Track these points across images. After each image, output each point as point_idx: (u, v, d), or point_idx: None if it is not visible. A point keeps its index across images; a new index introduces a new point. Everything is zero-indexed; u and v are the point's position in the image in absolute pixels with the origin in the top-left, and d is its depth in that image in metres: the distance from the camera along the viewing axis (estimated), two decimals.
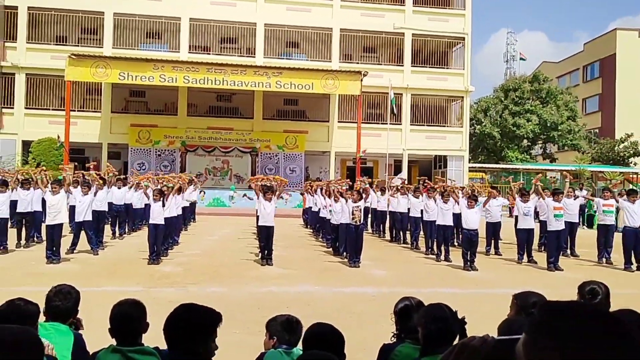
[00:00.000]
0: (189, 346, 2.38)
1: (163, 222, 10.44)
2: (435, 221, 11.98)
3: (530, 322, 0.89)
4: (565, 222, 11.29)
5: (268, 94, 27.13)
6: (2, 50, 26.21)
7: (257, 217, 13.13)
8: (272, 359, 3.00)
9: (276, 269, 9.93)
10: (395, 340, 3.19)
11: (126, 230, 14.67)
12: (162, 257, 10.43)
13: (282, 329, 3.16)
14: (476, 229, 10.61)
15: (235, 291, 7.84)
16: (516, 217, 12.27)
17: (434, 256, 11.89)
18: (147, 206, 15.67)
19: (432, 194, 12.59)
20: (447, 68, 30.04)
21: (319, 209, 14.98)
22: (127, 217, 14.74)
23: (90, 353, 2.93)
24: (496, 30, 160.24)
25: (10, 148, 25.88)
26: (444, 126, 29.88)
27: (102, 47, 26.42)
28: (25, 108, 26.37)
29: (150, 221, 10.39)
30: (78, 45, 26.77)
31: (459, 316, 2.68)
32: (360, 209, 10.67)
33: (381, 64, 29.57)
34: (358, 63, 28.67)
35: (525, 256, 11.52)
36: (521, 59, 49.51)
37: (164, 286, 8.01)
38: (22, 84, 26.30)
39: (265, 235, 10.43)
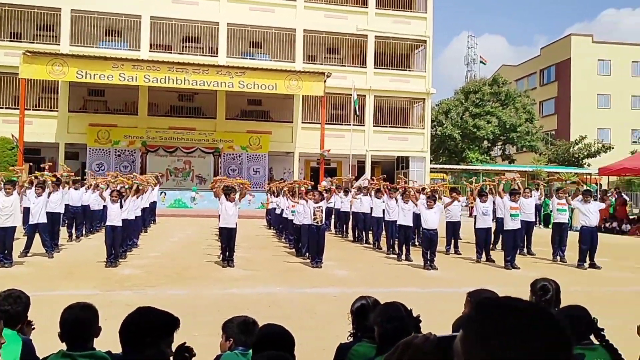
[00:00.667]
0: (142, 350, 2.34)
1: (121, 224, 10.22)
2: (396, 221, 12.12)
3: (465, 319, 0.91)
4: (521, 221, 11.59)
5: (231, 94, 26.93)
6: None
7: (219, 217, 13.08)
8: None
9: (238, 270, 9.86)
10: (352, 339, 3.22)
11: (83, 232, 14.30)
12: (120, 260, 10.21)
13: (239, 330, 3.14)
14: (435, 229, 10.81)
15: (196, 293, 7.74)
16: (475, 216, 12.53)
17: (395, 256, 12.02)
18: (105, 208, 15.41)
19: (393, 194, 12.73)
20: (409, 70, 30.44)
21: (282, 210, 14.95)
22: (84, 219, 14.37)
23: (40, 358, 2.86)
24: (457, 34, 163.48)
25: None
26: (406, 127, 30.28)
27: (59, 44, 25.69)
28: None
29: (108, 223, 10.17)
30: (33, 42, 25.92)
31: (414, 314, 2.73)
32: (322, 210, 10.70)
33: (344, 66, 29.76)
34: (322, 64, 28.76)
35: (483, 255, 11.77)
36: (481, 62, 50.60)
37: (121, 289, 7.84)
38: None
39: (226, 236, 10.34)
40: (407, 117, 30.63)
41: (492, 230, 12.45)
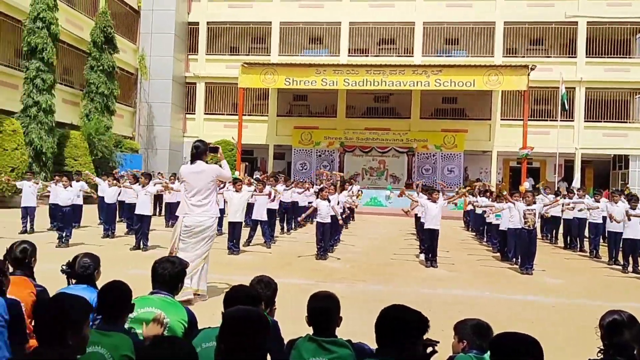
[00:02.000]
0: (399, 347, 2.39)
1: (329, 220, 10.86)
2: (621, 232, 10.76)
3: None
4: None
5: (425, 93, 26.78)
6: (186, 63, 29.41)
7: (416, 217, 13.09)
8: None
9: (441, 270, 9.76)
10: (602, 356, 2.94)
11: (293, 226, 15.54)
12: (328, 254, 10.86)
13: (472, 332, 3.07)
14: None
15: (403, 290, 7.85)
16: None
17: (620, 267, 10.73)
18: (309, 204, 16.58)
19: (618, 198, 11.35)
20: (629, 57, 26.87)
21: (483, 211, 14.39)
22: (293, 214, 15.62)
23: (288, 340, 3.13)
24: None
25: None
26: (625, 122, 26.79)
27: (269, 55, 28.33)
28: (204, 114, 29.32)
29: (318, 219, 10.88)
30: (249, 55, 29.03)
31: None
32: (534, 213, 10.01)
33: (550, 57, 27.49)
34: (524, 57, 26.99)
35: None
36: None
37: (332, 282, 8.30)
38: (202, 92, 29.29)
39: (429, 237, 10.31)
40: (626, 111, 27.07)
41: None
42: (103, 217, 13.44)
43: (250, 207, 12.25)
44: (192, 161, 6.60)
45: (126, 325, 3.01)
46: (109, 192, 12.85)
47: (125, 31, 27.27)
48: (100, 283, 3.58)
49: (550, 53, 28.05)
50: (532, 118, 25.61)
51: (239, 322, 2.16)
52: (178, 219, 6.71)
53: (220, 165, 6.69)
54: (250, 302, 2.81)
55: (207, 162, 6.66)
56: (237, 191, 11.20)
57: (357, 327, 5.55)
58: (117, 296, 2.92)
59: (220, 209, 13.15)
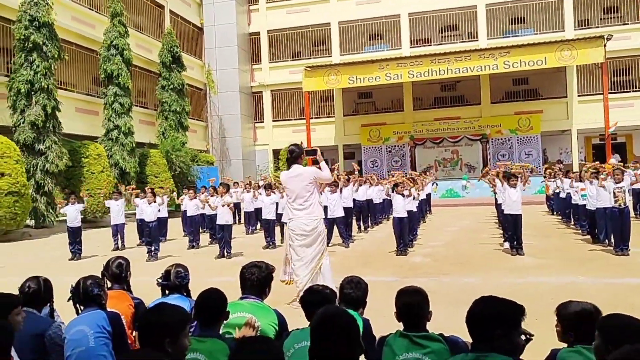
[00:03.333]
0: (491, 340, 2.30)
1: (406, 215, 10.71)
2: None
3: None
4: None
5: (494, 76, 25.89)
6: (251, 73, 30.13)
7: (497, 205, 12.66)
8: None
9: (529, 258, 9.36)
10: None
11: (369, 224, 15.48)
12: (408, 249, 10.73)
13: (577, 319, 2.87)
14: None
15: (493, 281, 7.60)
16: None
17: None
18: (385, 201, 16.47)
19: None
20: None
21: (567, 194, 13.71)
22: (369, 212, 15.57)
23: (379, 336, 3.10)
24: None
25: (264, 157, 29.61)
26: None
27: (331, 56, 28.45)
28: (273, 121, 29.90)
29: (394, 215, 10.77)
30: (310, 58, 29.30)
31: None
32: (624, 190, 9.40)
33: (627, 24, 25.75)
34: (598, 27, 25.49)
35: None
36: None
37: (415, 276, 8.17)
38: (268, 100, 29.90)
39: (512, 223, 9.93)
40: None
41: None
42: (187, 229, 14.01)
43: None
44: (289, 166, 6.67)
45: (221, 331, 3.10)
46: (190, 205, 13.37)
47: (190, 49, 28.36)
48: (192, 292, 3.74)
49: (627, 20, 26.27)
50: (613, 91, 24.15)
51: (328, 323, 2.17)
52: (285, 226, 6.83)
53: (320, 168, 6.70)
54: (326, 302, 2.83)
55: (304, 165, 6.69)
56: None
57: (446, 321, 5.44)
58: (214, 304, 3.02)
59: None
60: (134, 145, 21.18)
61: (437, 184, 23.26)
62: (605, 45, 21.43)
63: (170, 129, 24.31)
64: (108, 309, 3.47)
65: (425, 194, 17.22)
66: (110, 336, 3.29)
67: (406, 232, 10.74)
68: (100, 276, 3.76)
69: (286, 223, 6.81)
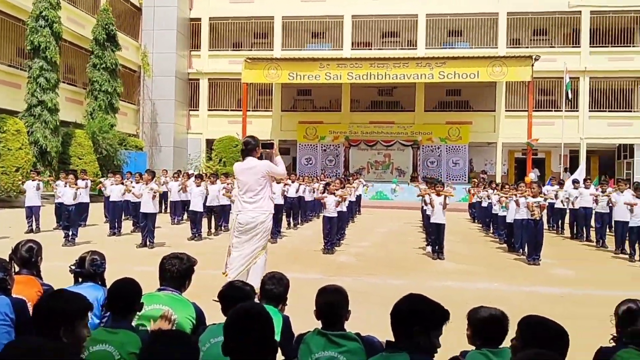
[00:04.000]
0: (412, 338, 2.35)
1: (336, 215, 10.84)
2: (627, 222, 10.71)
3: None
4: None
5: (429, 85, 26.68)
6: (189, 59, 29.40)
7: (423, 210, 13.06)
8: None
9: (450, 263, 9.72)
10: (614, 344, 2.92)
11: (299, 221, 15.53)
12: (335, 248, 10.85)
13: (485, 324, 3.00)
14: None
15: (415, 284, 7.82)
16: None
17: (627, 256, 10.67)
18: (316, 199, 16.57)
19: (622, 187, 11.29)
20: (633, 46, 26.68)
21: (489, 203, 14.37)
22: (299, 209, 15.62)
23: (297, 334, 3.11)
24: None
25: (197, 146, 28.99)
26: (630, 111, 26.64)
27: (272, 50, 28.27)
28: (208, 110, 29.33)
29: (325, 214, 10.86)
30: (252, 50, 28.98)
31: None
32: (540, 205, 9.96)
33: (554, 47, 27.33)
34: (527, 47, 26.86)
35: None
36: None
37: (341, 275, 8.28)
38: (205, 89, 29.28)
39: (436, 230, 10.28)
40: (630, 100, 26.92)
41: None
42: (109, 215, 13.47)
43: None
44: (243, 158, 6.52)
45: (134, 323, 3.00)
46: (114, 190, 12.86)
47: (127, 28, 27.28)
48: (107, 281, 3.58)
49: (554, 43, 27.89)
50: (537, 109, 25.53)
51: (243, 319, 2.14)
52: (231, 217, 6.65)
53: (274, 161, 6.57)
54: (245, 300, 2.80)
55: (259, 158, 6.54)
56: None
57: (367, 320, 5.54)
58: (127, 294, 2.91)
59: (228, 204, 13.20)
60: (58, 123, 20.09)
61: (368, 186, 23.67)
62: (532, 65, 22.62)
63: (100, 110, 23.28)
64: (13, 295, 3.26)
65: (356, 195, 17.53)
66: (14, 324, 3.09)
67: (334, 232, 10.86)
68: (8, 259, 3.53)
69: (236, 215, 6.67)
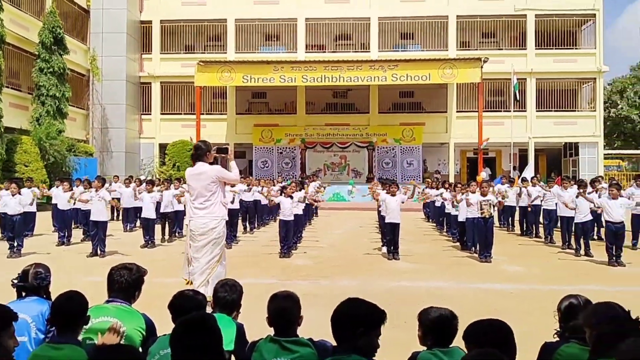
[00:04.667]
0: (354, 340, 2.40)
1: (293, 218, 10.84)
2: (572, 217, 11.16)
3: None
4: None
5: (383, 87, 27.04)
6: (140, 62, 28.77)
7: (379, 211, 13.22)
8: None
9: (404, 263, 9.88)
10: (557, 339, 3.03)
11: (256, 225, 15.44)
12: (292, 251, 10.84)
13: (435, 325, 3.07)
14: (621, 222, 9.78)
15: (368, 285, 7.91)
16: None
17: (573, 251, 11.12)
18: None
19: (568, 185, 11.76)
20: (576, 48, 27.88)
21: (442, 203, 14.67)
22: (256, 213, 15.53)
23: (250, 342, 3.10)
24: (632, 1, 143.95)
25: (150, 151, 28.39)
26: (574, 111, 27.80)
27: (226, 53, 28.01)
28: (161, 114, 28.77)
29: (281, 217, 10.84)
30: (205, 53, 28.60)
31: (633, 316, 2.47)
32: (490, 203, 10.25)
33: (502, 49, 28.21)
34: (477, 50, 27.63)
35: None
36: None
37: (297, 279, 8.30)
38: (157, 92, 28.72)
39: (391, 230, 10.43)
40: (574, 100, 28.10)
41: None
42: (57, 224, 13.02)
43: None
44: (194, 163, 6.39)
45: (81, 337, 2.91)
46: (62, 198, 12.45)
47: (75, 31, 26.47)
48: (55, 293, 3.46)
49: (502, 45, 28.78)
50: (487, 109, 26.25)
51: (190, 331, 2.12)
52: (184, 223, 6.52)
53: (229, 167, 6.47)
54: (196, 310, 2.77)
55: (211, 164, 6.42)
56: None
57: (322, 324, 5.57)
58: (72, 307, 2.82)
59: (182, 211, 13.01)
60: (2, 130, 19.29)
61: (324, 187, 23.74)
62: (482, 67, 23.25)
63: (47, 116, 22.46)
64: None
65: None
66: None
67: (291, 235, 10.86)
68: None
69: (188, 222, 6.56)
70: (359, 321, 2.42)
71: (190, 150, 25.17)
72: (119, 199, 15.32)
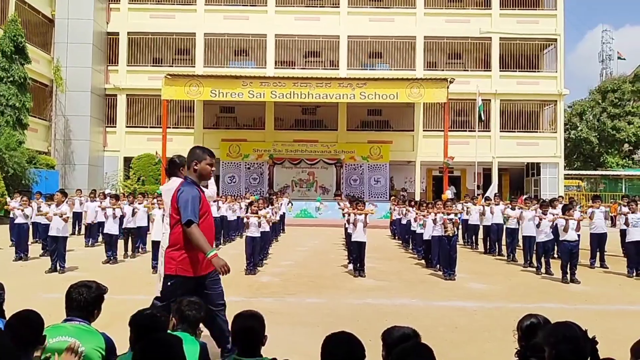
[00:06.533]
0: None
1: (259, 235, 10.76)
2: (534, 236, 11.43)
3: None
4: None
5: (352, 105, 27.33)
6: (105, 74, 28.34)
7: (346, 228, 13.25)
8: None
9: (370, 280, 9.91)
10: (517, 357, 3.08)
11: (221, 241, 15.25)
12: (258, 268, 10.74)
13: (399, 344, 3.11)
14: (576, 240, 10.11)
15: (333, 302, 7.89)
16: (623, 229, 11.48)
17: (534, 269, 11.37)
18: (239, 218, 16.38)
19: (530, 204, 12.05)
20: (539, 71, 28.85)
21: (408, 220, 14.81)
22: (222, 229, 15.36)
23: None
24: (592, 28, 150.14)
25: (114, 164, 27.84)
26: (536, 132, 28.66)
27: (194, 67, 27.87)
28: (126, 127, 28.33)
29: (248, 234, 10.74)
30: (172, 66, 28.42)
31: (590, 335, 2.53)
32: (453, 221, 10.41)
33: (467, 70, 28.93)
34: (443, 70, 28.25)
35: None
36: (619, 58, 46.41)
37: (263, 296, 8.21)
38: (123, 105, 28.30)
39: (357, 248, 10.47)
40: (536, 121, 28.99)
41: None
42: (15, 238, 12.58)
43: None
44: (169, 177, 6.23)
45: (41, 357, 2.81)
46: (20, 211, 12.07)
47: (38, 41, 25.92)
48: (10, 311, 3.34)
49: (468, 67, 29.52)
50: (453, 129, 26.80)
51: (152, 351, 2.08)
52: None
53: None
54: (159, 330, 2.73)
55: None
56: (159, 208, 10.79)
57: (287, 342, 5.51)
58: (26, 327, 2.72)
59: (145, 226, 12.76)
60: None
61: (292, 204, 23.71)
62: (448, 87, 23.78)
63: (6, 126, 21.85)
64: None
65: (280, 214, 17.48)
66: None
67: (257, 252, 10.77)
68: None
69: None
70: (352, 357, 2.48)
71: (155, 164, 24.92)
72: (80, 214, 14.95)
